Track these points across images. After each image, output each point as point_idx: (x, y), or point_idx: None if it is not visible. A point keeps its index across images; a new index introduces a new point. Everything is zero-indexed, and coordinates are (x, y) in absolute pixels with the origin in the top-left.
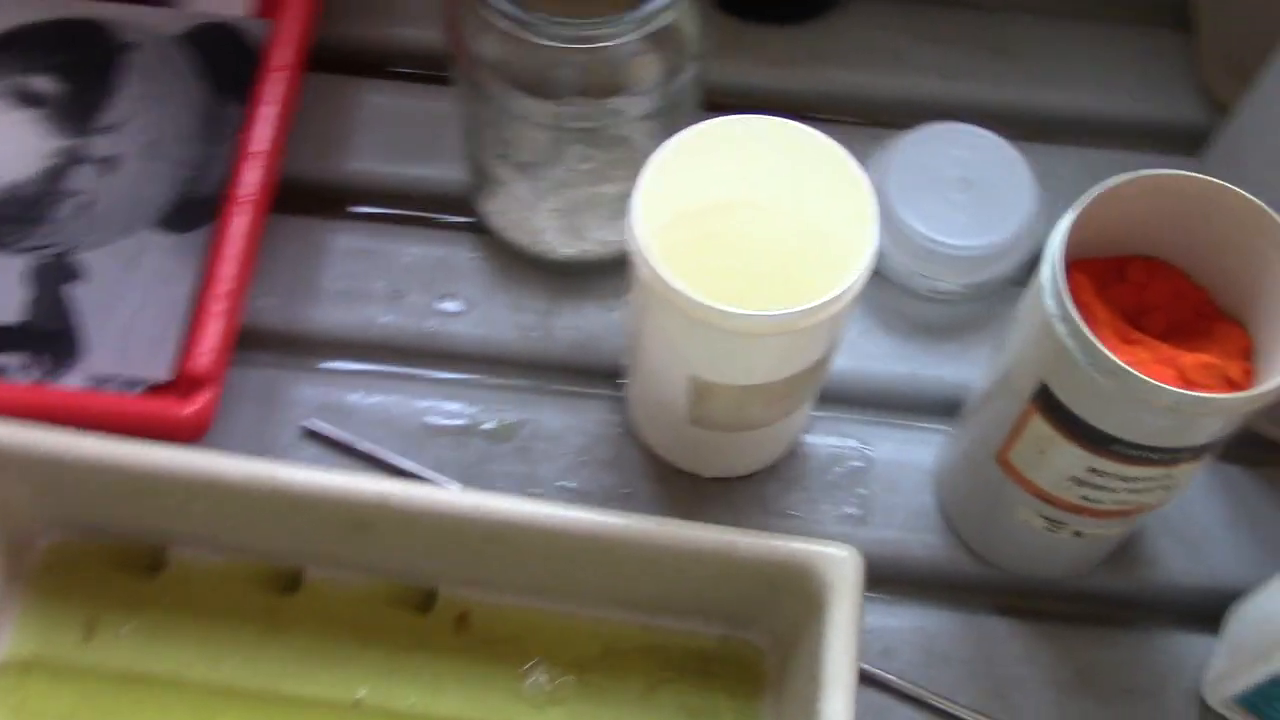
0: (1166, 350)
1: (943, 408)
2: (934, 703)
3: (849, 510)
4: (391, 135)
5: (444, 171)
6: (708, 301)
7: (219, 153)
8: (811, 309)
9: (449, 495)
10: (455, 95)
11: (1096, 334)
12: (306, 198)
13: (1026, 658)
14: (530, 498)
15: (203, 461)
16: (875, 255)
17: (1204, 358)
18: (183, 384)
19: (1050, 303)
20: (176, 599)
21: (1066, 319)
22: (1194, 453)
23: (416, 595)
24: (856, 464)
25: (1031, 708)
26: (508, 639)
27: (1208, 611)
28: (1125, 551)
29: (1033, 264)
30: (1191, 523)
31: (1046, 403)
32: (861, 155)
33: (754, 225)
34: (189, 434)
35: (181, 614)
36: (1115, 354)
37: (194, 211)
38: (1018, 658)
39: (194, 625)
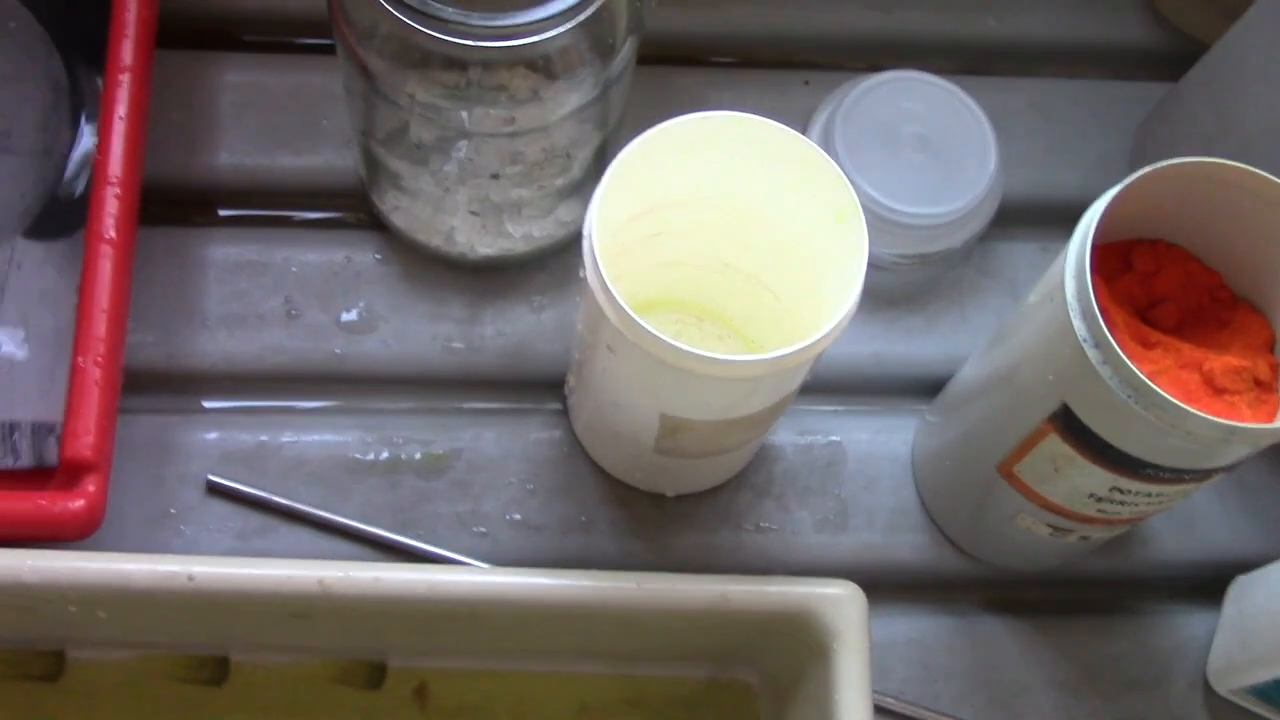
0: (1189, 352)
1: (913, 388)
2: None
3: (827, 515)
4: (261, 120)
5: (329, 160)
6: (689, 348)
7: (85, 135)
8: (803, 349)
9: (398, 574)
10: (336, 68)
11: (1116, 342)
12: (169, 204)
13: (1026, 660)
14: (491, 570)
15: (103, 566)
16: (864, 271)
17: (1230, 360)
18: (66, 471)
19: (1079, 324)
20: (81, 707)
21: (1102, 344)
22: (1229, 469)
23: (364, 670)
24: (830, 462)
25: (1037, 714)
26: (473, 708)
27: (1205, 586)
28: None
29: (997, 222)
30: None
31: (1067, 424)
32: (800, 109)
33: (709, 224)
34: (80, 530)
35: None
36: (1135, 361)
37: (66, 214)
38: (1017, 661)
39: None
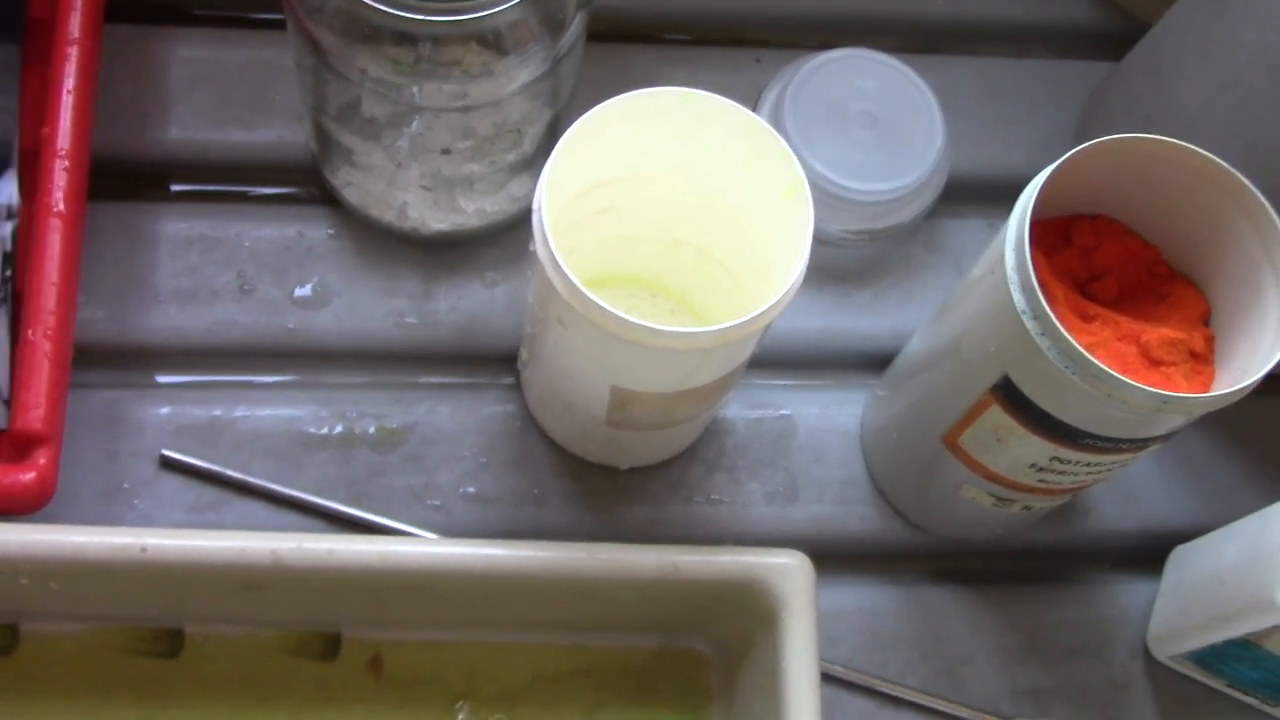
0: (1126, 325)
1: (862, 363)
2: (885, 690)
3: (777, 488)
4: (213, 94)
5: (282, 135)
6: (638, 320)
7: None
8: (749, 320)
9: (352, 545)
10: (287, 43)
11: (1055, 314)
12: (120, 178)
13: (972, 628)
14: (443, 540)
15: (55, 538)
16: (810, 246)
17: (1167, 332)
18: (16, 443)
19: (1019, 297)
20: (36, 680)
21: (1040, 317)
22: (1164, 438)
23: (319, 641)
24: (780, 435)
25: (981, 681)
26: (427, 679)
27: (1145, 556)
28: (1060, 505)
29: (944, 199)
30: (1125, 470)
31: (1008, 394)
32: (751, 86)
33: (660, 200)
34: (31, 503)
35: (45, 696)
36: (1073, 333)
37: None
38: (963, 630)
39: (62, 707)
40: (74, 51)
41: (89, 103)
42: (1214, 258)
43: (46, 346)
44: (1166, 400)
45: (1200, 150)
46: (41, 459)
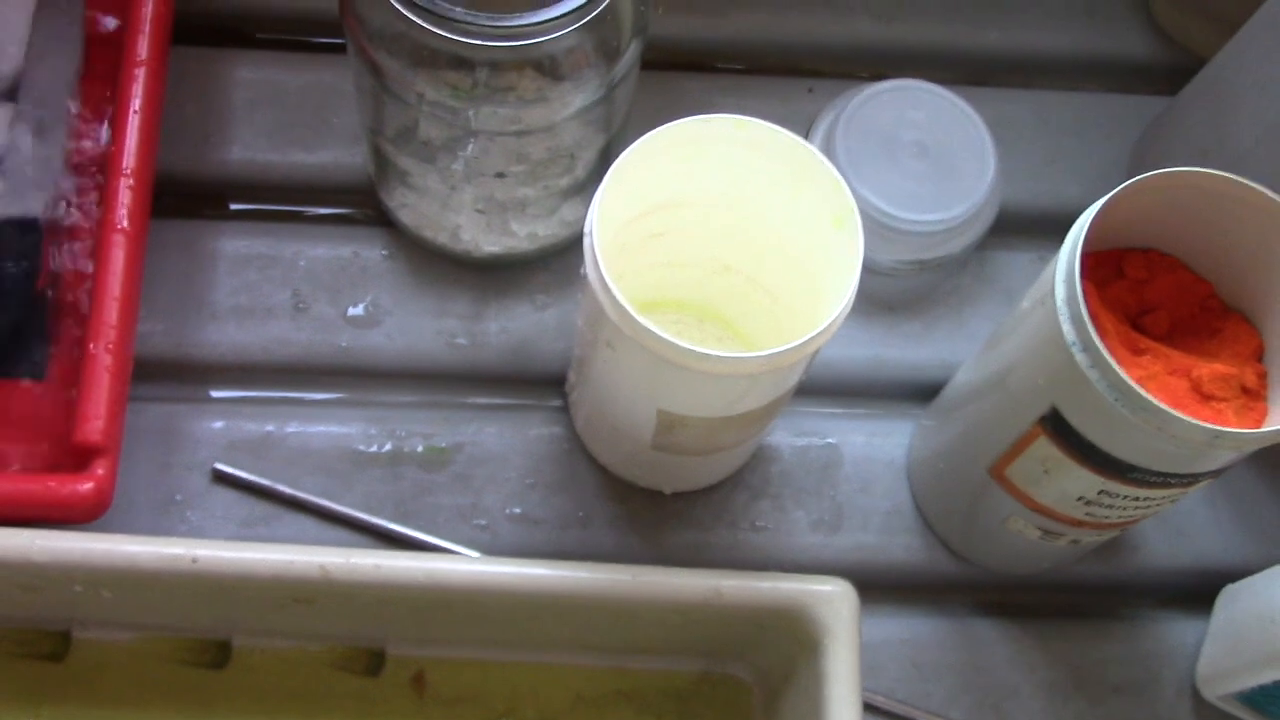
0: (1178, 359)
1: (910, 393)
2: None
3: (822, 516)
4: (274, 116)
5: (339, 157)
6: (686, 344)
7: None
8: (797, 346)
9: (399, 562)
10: (347, 67)
11: (1105, 347)
12: (181, 196)
13: (1016, 662)
14: (489, 559)
15: (110, 548)
16: (859, 273)
17: (1218, 367)
18: (75, 454)
19: (1069, 329)
20: (85, 686)
21: (1090, 349)
22: (1215, 474)
23: (363, 657)
24: (826, 464)
25: (1025, 716)
26: (469, 697)
27: (1195, 594)
28: (1109, 540)
29: (995, 231)
30: (1173, 505)
31: (1056, 427)
32: (802, 115)
33: (710, 226)
34: (89, 513)
35: (94, 703)
36: (1123, 366)
37: None
38: (1007, 663)
39: (110, 714)
40: (141, 73)
41: (154, 122)
42: (1268, 294)
43: (107, 360)
44: (1218, 435)
45: (1255, 185)
46: (100, 469)
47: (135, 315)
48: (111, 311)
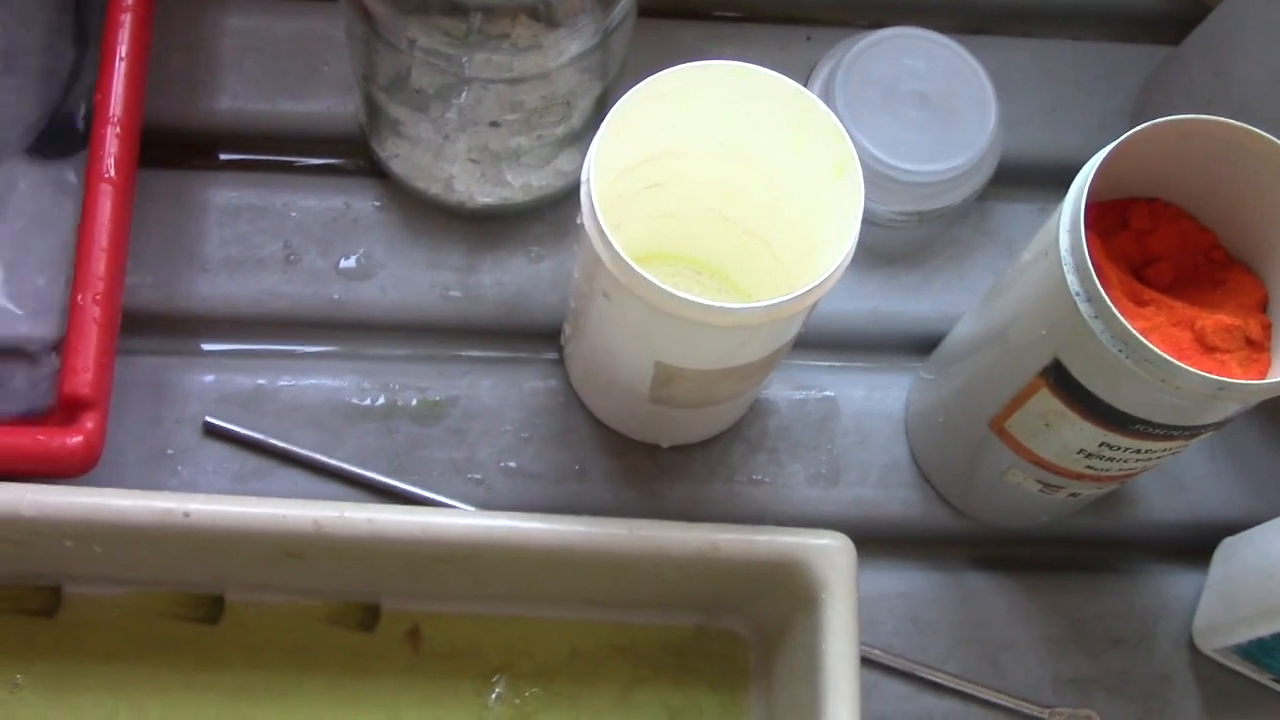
0: (1181, 310)
1: (908, 345)
2: (924, 675)
3: (819, 470)
4: (263, 65)
5: (331, 106)
6: (683, 295)
7: (90, 57)
8: (796, 298)
9: (393, 516)
10: (338, 13)
11: (1109, 298)
12: (170, 146)
13: (1013, 616)
14: (484, 513)
15: (100, 502)
16: (859, 224)
17: (1222, 318)
18: (64, 407)
19: (1073, 279)
20: (77, 641)
21: (1094, 299)
22: (1217, 426)
23: (358, 612)
24: (823, 417)
25: (1023, 669)
26: (465, 652)
27: (1192, 547)
28: (1107, 493)
29: (996, 182)
30: (1173, 458)
31: (1059, 378)
32: (801, 64)
33: (708, 176)
34: (78, 467)
35: (86, 658)
36: (1127, 317)
37: (68, 135)
38: (1005, 616)
39: (103, 669)
40: (127, 19)
41: (141, 71)
42: (1273, 244)
43: (95, 312)
44: (1221, 386)
45: (1261, 133)
46: (89, 423)
47: (123, 267)
48: (99, 262)
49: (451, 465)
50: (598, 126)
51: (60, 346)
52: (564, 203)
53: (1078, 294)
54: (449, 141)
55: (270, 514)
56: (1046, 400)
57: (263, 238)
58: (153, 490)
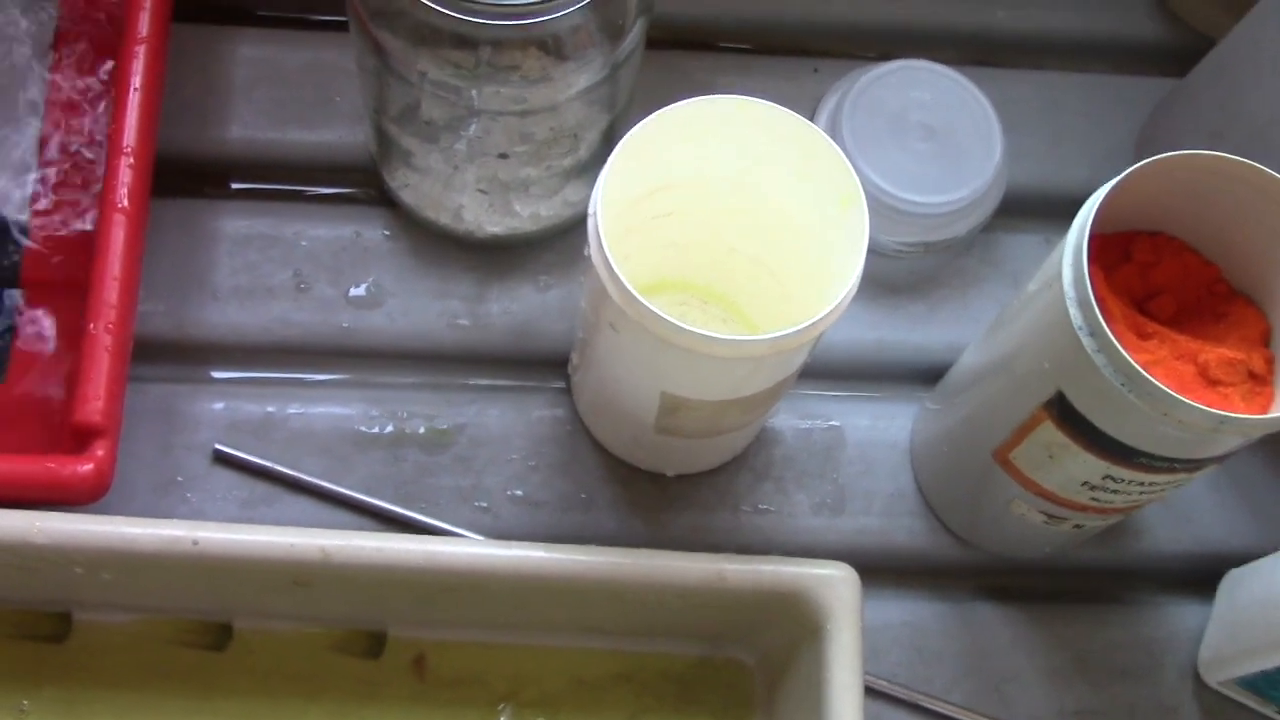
0: (1185, 343)
1: (914, 375)
2: (928, 705)
3: (824, 499)
4: (275, 95)
5: (341, 136)
6: (690, 327)
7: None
8: (802, 330)
9: (399, 544)
10: (349, 45)
11: (1112, 331)
12: (182, 175)
13: (1018, 646)
14: (489, 542)
15: (110, 530)
16: (864, 256)
17: (1225, 352)
18: (75, 435)
19: (1075, 313)
20: (85, 668)
21: (1097, 334)
22: (1220, 459)
23: (364, 640)
24: (829, 446)
25: (1028, 700)
26: (470, 680)
27: (1197, 578)
28: (1112, 524)
29: (1001, 213)
30: (1177, 490)
31: (1062, 411)
32: (808, 96)
33: (714, 208)
34: (89, 495)
35: (94, 684)
36: (1130, 351)
37: None
38: (1009, 647)
39: (110, 695)
40: (142, 50)
41: (155, 101)
42: (1275, 277)
43: (107, 340)
44: (1224, 420)
45: (1263, 168)
46: (100, 450)
47: (135, 295)
48: (111, 291)
49: (458, 493)
50: (606, 158)
51: None
52: (572, 232)
53: (1080, 328)
54: (458, 172)
55: (278, 542)
56: (1050, 432)
57: (273, 266)
58: (162, 518)
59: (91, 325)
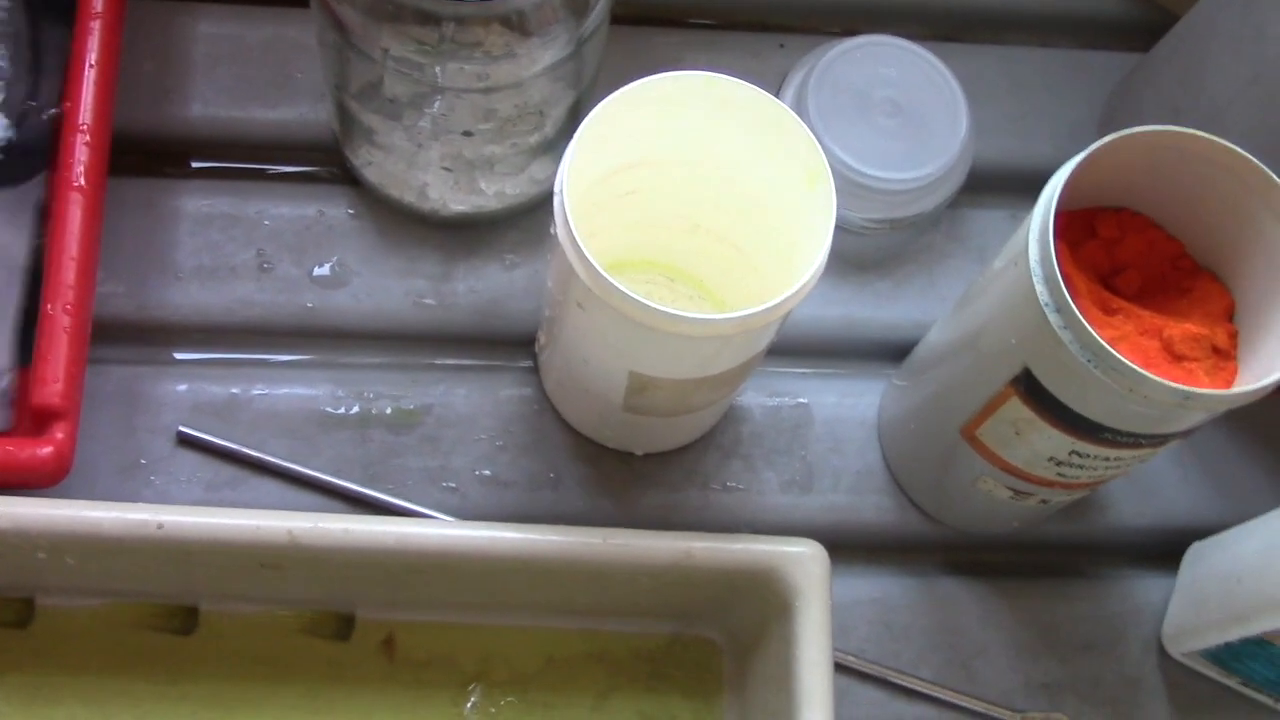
0: (1149, 319)
1: (881, 352)
2: (897, 680)
3: (793, 476)
4: (235, 72)
5: (303, 113)
6: (657, 305)
7: (48, 85)
8: (770, 308)
9: (368, 526)
10: (310, 21)
11: (1078, 307)
12: (142, 154)
13: (986, 621)
14: (458, 523)
15: (72, 514)
16: (832, 234)
17: (1189, 327)
18: (34, 418)
19: (1042, 290)
20: (50, 653)
21: (1063, 310)
22: (1185, 434)
23: (333, 621)
24: (797, 424)
25: (994, 674)
26: (440, 661)
27: (1161, 552)
28: (1078, 499)
29: (967, 189)
30: (1142, 465)
31: (1028, 387)
32: (774, 72)
33: (681, 185)
34: (49, 478)
35: (60, 670)
36: (1095, 327)
37: (25, 160)
38: (977, 622)
39: (76, 681)
40: (97, 25)
41: (111, 77)
42: (1239, 253)
43: (65, 321)
44: (1188, 396)
45: (1227, 144)
46: (59, 433)
47: (94, 276)
48: (69, 271)
49: (426, 474)
50: (571, 135)
51: (14, 368)
52: (538, 210)
53: (1046, 304)
54: (422, 150)
55: (244, 525)
56: (1017, 408)
57: (235, 246)
58: (126, 501)
59: (49, 306)
